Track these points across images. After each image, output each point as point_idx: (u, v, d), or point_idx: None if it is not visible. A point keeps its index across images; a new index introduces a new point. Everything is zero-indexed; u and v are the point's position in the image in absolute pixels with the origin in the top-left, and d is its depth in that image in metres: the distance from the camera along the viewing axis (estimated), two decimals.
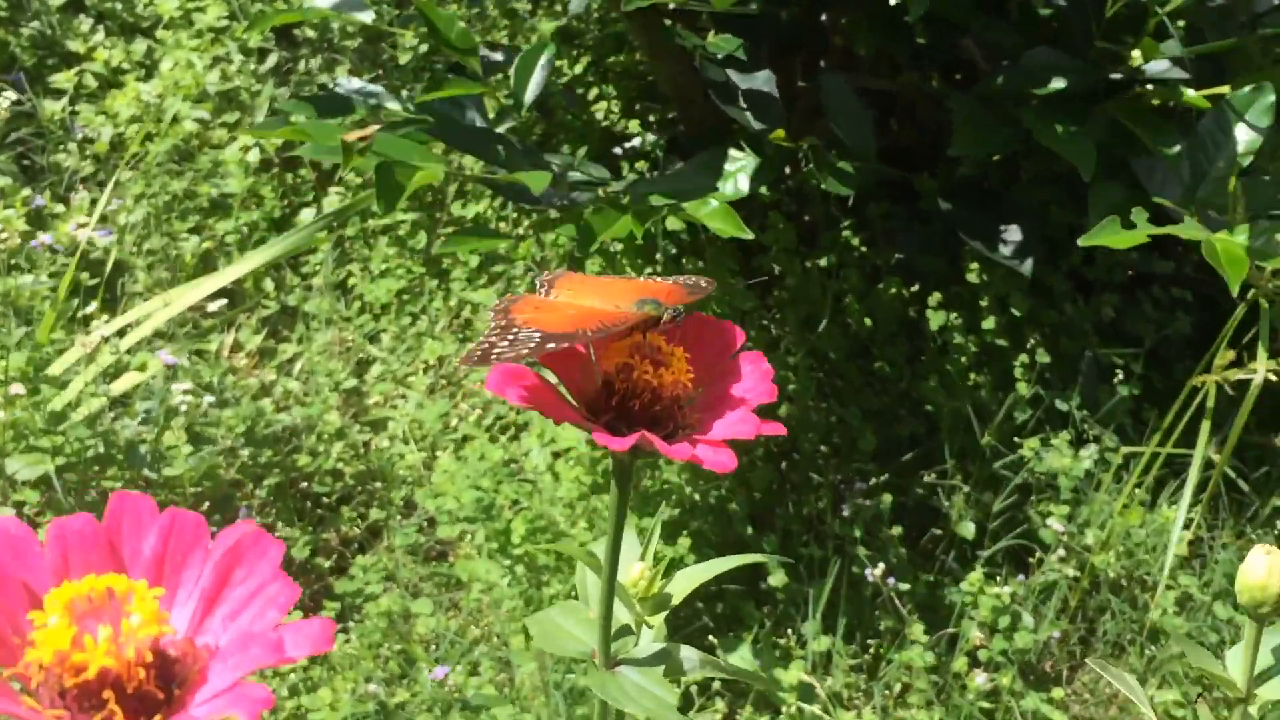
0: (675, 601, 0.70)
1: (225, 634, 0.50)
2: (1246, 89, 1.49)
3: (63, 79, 2.30)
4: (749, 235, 1.33)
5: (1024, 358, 1.79)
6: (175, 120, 2.24)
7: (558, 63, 2.12)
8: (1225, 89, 1.51)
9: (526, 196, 1.44)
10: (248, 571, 0.51)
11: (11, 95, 2.22)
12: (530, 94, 1.44)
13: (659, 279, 0.71)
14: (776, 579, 1.67)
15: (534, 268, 1.96)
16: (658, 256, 1.90)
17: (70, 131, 2.25)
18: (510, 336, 0.62)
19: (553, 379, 0.64)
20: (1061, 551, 1.68)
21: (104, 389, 1.70)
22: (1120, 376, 1.83)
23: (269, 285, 2.09)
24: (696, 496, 1.72)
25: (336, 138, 1.27)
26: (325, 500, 1.84)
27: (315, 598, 1.75)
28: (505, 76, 1.66)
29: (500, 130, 1.60)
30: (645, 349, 0.63)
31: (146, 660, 0.48)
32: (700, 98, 1.70)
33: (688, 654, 0.69)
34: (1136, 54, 1.53)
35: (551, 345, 0.61)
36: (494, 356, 0.60)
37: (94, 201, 2.15)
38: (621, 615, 0.70)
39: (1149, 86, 1.60)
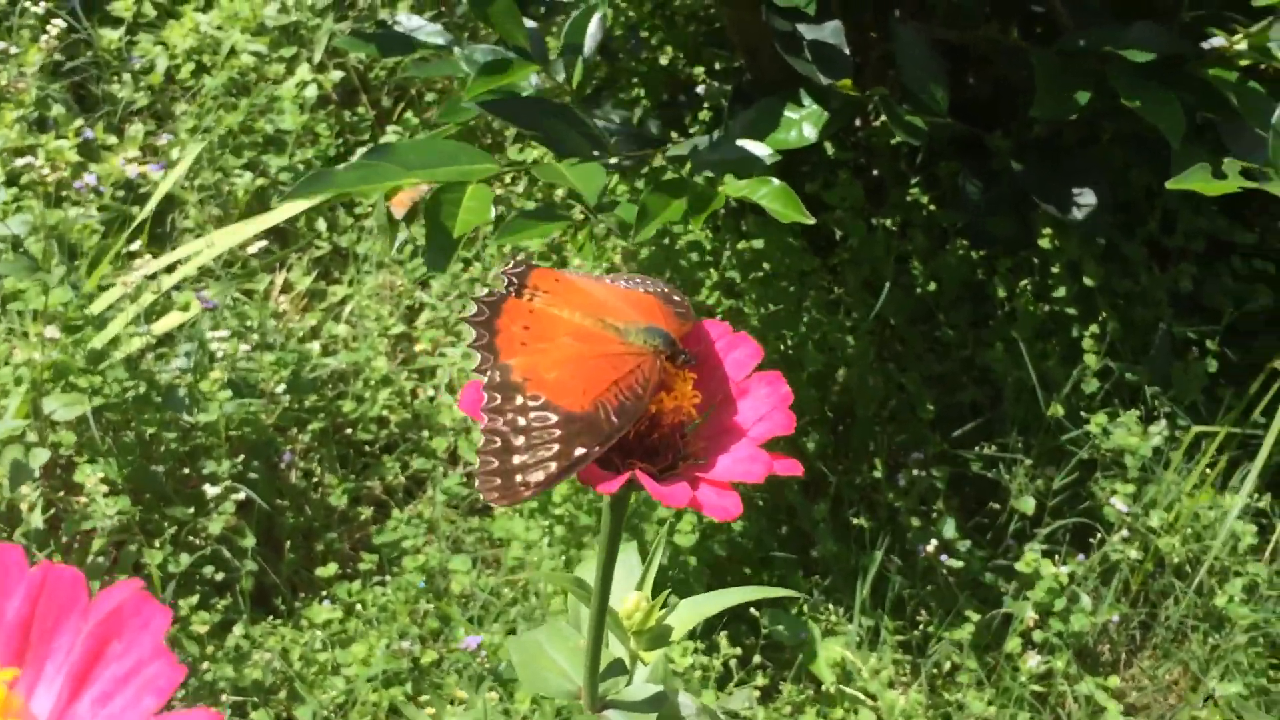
0: (676, 636, 0.63)
1: None
2: None
3: (121, 7, 2.26)
4: (810, 220, 1.24)
5: (1095, 328, 1.72)
6: (232, 53, 2.19)
7: (621, 3, 2.05)
8: None
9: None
10: (126, 646, 0.42)
11: (65, 24, 2.18)
12: (579, 69, 1.36)
13: (636, 287, 0.63)
14: (825, 549, 1.61)
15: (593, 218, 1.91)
16: (720, 211, 1.83)
17: (127, 62, 2.21)
18: (520, 423, 0.53)
19: None
20: (1125, 532, 1.61)
21: (145, 329, 1.67)
22: (1195, 352, 1.75)
23: (321, 225, 2.05)
24: None
25: (380, 191, 1.21)
26: (369, 449, 1.81)
27: (355, 548, 1.72)
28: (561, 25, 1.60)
29: (551, 85, 1.54)
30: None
31: None
32: (768, 46, 1.63)
33: (685, 700, 0.62)
34: (1241, 43, 1.44)
35: (580, 452, 0.52)
36: (520, 482, 0.51)
37: (147, 134, 2.11)
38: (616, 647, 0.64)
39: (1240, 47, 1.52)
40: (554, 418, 0.53)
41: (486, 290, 0.60)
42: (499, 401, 0.54)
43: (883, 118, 1.60)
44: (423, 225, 1.20)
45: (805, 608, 1.58)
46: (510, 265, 0.62)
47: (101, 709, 0.42)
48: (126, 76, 2.19)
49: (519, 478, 0.52)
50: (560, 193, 2.01)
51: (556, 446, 0.52)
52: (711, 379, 0.59)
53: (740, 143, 1.42)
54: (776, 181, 1.29)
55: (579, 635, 0.65)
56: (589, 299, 0.60)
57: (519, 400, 0.54)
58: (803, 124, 1.52)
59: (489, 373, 0.55)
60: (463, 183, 1.19)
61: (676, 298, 0.62)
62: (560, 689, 0.63)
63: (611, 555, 0.59)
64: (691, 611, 0.65)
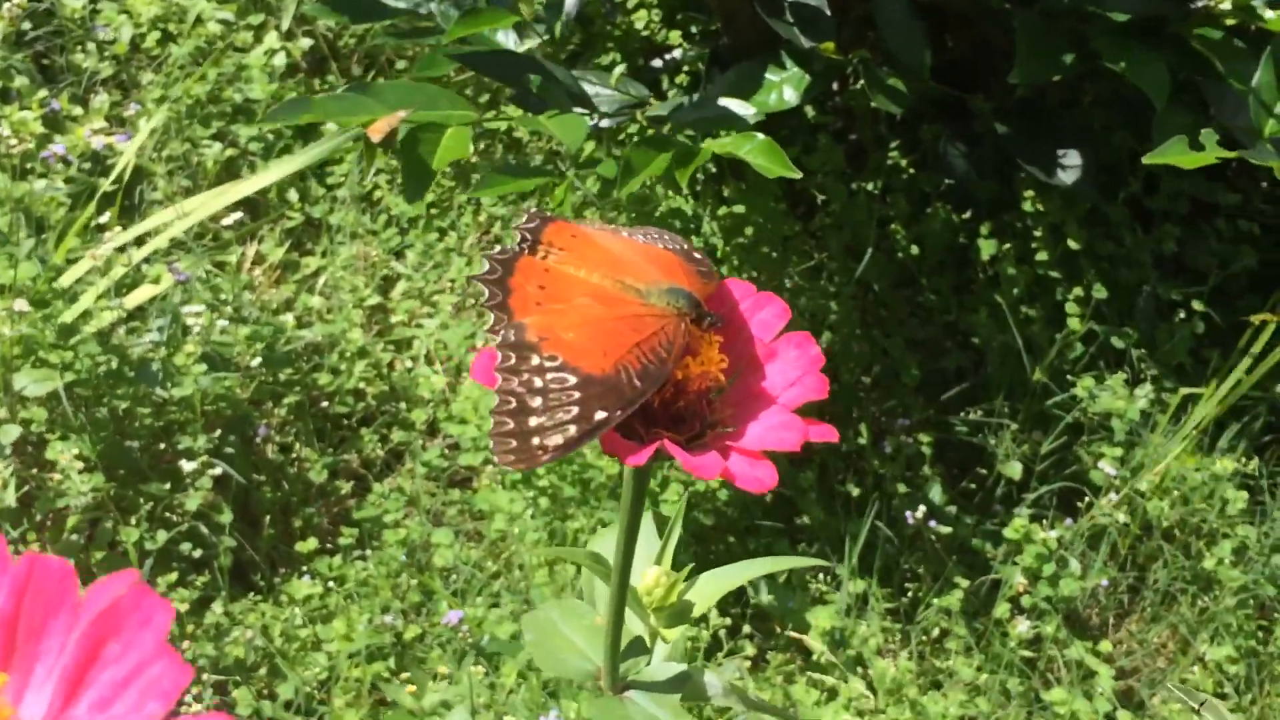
0: (698, 612, 0.60)
1: None
2: None
3: None
4: (797, 174, 1.22)
5: (1079, 291, 1.70)
6: (199, 21, 2.15)
7: None
8: None
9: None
10: (125, 646, 0.38)
11: None
12: (561, 24, 1.33)
13: (655, 242, 0.59)
14: (812, 517, 1.60)
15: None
16: (699, 175, 1.81)
17: (90, 30, 2.17)
18: (536, 383, 0.49)
19: None
20: (1113, 495, 1.60)
21: (116, 303, 1.63)
22: (1181, 314, 1.73)
23: (293, 196, 2.02)
24: None
25: (359, 123, 1.18)
26: (346, 422, 1.78)
27: (334, 523, 1.69)
28: None
29: (533, 45, 1.51)
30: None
31: None
32: (747, 9, 1.60)
33: (710, 679, 0.59)
34: (1225, 1, 1.43)
35: (602, 415, 0.49)
36: (537, 445, 0.48)
37: (113, 105, 2.07)
38: (634, 624, 0.60)
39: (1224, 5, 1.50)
40: (572, 379, 0.50)
41: (499, 246, 0.57)
42: (514, 361, 0.50)
43: (862, 81, 1.57)
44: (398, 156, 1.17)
45: (793, 577, 1.57)
46: (524, 219, 0.58)
47: (101, 714, 0.38)
48: (91, 46, 2.15)
49: (536, 440, 0.49)
50: (540, 151, 1.99)
51: (576, 409, 0.49)
52: (737, 341, 0.55)
53: (723, 101, 1.40)
54: (761, 136, 1.27)
55: (594, 612, 0.61)
56: (607, 256, 0.57)
57: (535, 360, 0.50)
58: (783, 87, 1.49)
59: (503, 332, 0.52)
60: (442, 125, 1.17)
61: (697, 255, 0.59)
62: (578, 669, 0.59)
63: (633, 528, 0.56)
64: (714, 585, 0.61)
